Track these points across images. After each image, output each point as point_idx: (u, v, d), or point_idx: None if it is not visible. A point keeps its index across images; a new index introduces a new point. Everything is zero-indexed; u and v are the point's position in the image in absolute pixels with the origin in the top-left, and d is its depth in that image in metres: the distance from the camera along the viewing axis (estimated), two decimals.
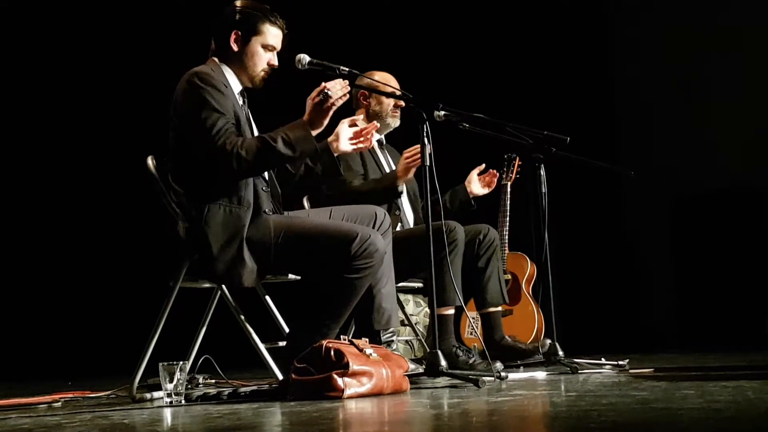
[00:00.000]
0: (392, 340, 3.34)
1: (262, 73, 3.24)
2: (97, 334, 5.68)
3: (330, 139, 3.30)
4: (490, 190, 4.17)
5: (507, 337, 4.01)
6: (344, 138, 3.29)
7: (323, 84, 3.06)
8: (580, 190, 6.17)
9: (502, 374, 3.18)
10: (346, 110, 4.07)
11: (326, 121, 3.09)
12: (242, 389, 2.92)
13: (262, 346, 3.09)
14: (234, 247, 3.02)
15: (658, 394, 2.35)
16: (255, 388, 2.96)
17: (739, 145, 6.01)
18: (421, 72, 5.59)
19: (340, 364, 2.66)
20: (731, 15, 6.15)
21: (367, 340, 2.88)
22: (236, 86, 3.23)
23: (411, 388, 2.92)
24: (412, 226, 3.99)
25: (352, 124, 3.31)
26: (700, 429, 1.66)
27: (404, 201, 4.02)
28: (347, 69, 3.16)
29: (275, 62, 3.25)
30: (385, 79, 3.92)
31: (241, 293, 3.15)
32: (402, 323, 4.30)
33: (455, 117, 3.47)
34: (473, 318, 4.44)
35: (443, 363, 2.93)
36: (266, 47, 3.22)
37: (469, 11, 6.47)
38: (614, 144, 6.50)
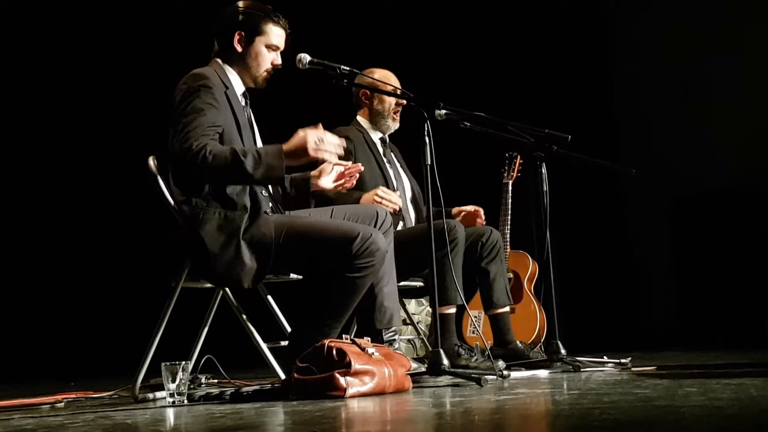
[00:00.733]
0: (394, 339, 3.34)
1: (266, 73, 3.24)
2: (99, 335, 5.69)
3: (313, 173, 3.30)
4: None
5: (518, 342, 3.98)
6: (327, 177, 3.29)
7: (324, 131, 2.99)
8: (580, 190, 6.17)
9: (505, 373, 3.18)
10: (347, 110, 4.08)
11: (303, 162, 3.02)
12: (244, 389, 2.92)
13: (264, 346, 3.09)
14: (232, 249, 3.00)
15: (661, 391, 2.36)
16: (257, 387, 2.96)
17: (739, 145, 6.01)
18: (421, 71, 5.59)
19: (343, 364, 2.67)
20: (731, 15, 6.15)
21: (369, 339, 2.89)
22: (239, 87, 3.22)
23: (413, 387, 2.92)
24: (413, 225, 3.98)
25: (339, 159, 3.18)
26: (702, 426, 1.66)
27: (406, 200, 4.02)
28: (348, 68, 3.16)
29: (279, 62, 3.25)
30: (385, 77, 3.92)
31: (242, 293, 3.14)
32: (404, 322, 4.30)
33: (456, 116, 3.47)
34: (475, 317, 4.44)
35: (445, 362, 2.93)
36: (270, 47, 3.22)
37: (469, 11, 6.47)
38: (614, 144, 6.49)
